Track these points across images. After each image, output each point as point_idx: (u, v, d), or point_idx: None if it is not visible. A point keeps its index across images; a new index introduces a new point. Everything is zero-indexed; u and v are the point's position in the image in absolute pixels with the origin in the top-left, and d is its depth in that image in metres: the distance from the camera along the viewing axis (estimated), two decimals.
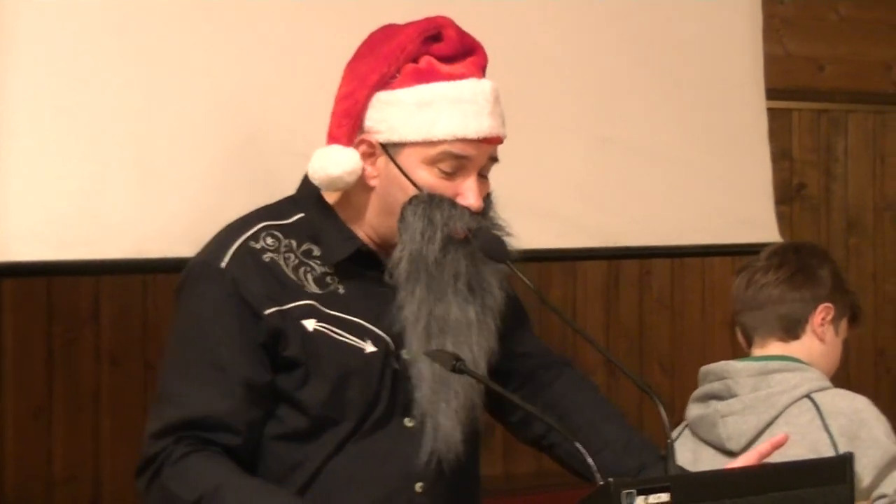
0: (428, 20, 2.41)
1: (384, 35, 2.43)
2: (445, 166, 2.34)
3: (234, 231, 2.41)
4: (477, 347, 2.36)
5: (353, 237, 2.41)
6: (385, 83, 2.37)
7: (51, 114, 2.76)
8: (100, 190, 2.80)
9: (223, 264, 2.35)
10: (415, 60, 2.37)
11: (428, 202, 2.33)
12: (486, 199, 2.41)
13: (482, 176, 2.40)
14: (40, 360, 3.77)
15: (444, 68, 2.37)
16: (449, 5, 3.06)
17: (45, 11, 2.75)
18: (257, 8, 2.97)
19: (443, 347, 2.32)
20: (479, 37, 2.37)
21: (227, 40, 2.94)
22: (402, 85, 2.36)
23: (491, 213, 2.41)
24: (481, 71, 2.42)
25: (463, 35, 2.41)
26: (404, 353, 2.38)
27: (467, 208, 2.35)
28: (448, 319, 2.34)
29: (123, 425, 3.85)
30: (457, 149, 2.34)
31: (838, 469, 2.06)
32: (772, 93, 4.00)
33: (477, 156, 2.36)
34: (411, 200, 2.34)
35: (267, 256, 2.37)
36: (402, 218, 2.34)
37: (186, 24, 2.90)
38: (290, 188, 2.47)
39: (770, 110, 3.90)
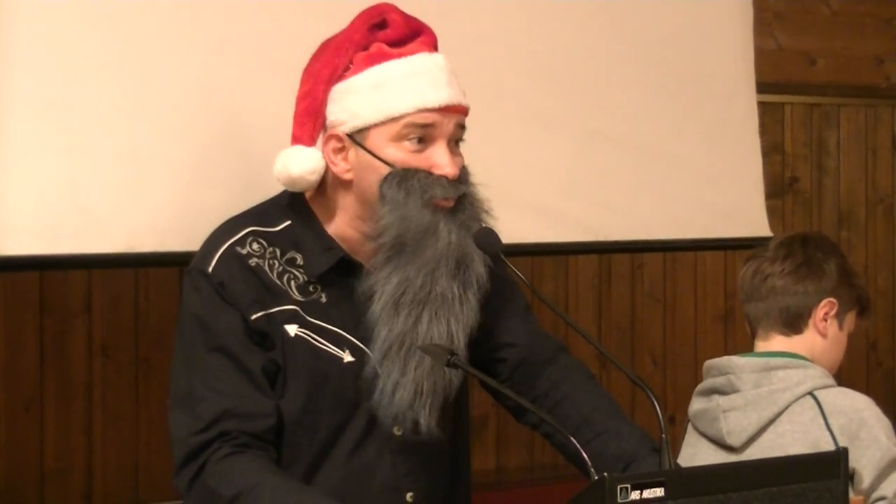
0: (371, 8, 2.42)
1: (331, 37, 2.44)
2: (413, 138, 2.34)
3: (222, 235, 2.42)
4: (456, 322, 2.35)
5: (334, 247, 2.41)
6: (339, 76, 2.38)
7: (42, 109, 2.75)
8: (91, 184, 2.80)
9: (210, 269, 2.37)
10: (364, 49, 2.38)
11: (402, 175, 2.33)
12: (463, 171, 2.39)
13: (454, 148, 2.39)
14: (32, 353, 3.76)
15: (395, 51, 2.38)
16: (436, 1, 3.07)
17: (38, 10, 2.75)
18: (249, 6, 2.97)
19: (417, 319, 2.32)
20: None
21: (218, 35, 2.94)
22: (355, 72, 2.37)
23: (469, 183, 2.40)
24: (432, 47, 2.42)
25: (408, 18, 2.42)
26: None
27: (443, 176, 2.34)
28: (431, 291, 2.33)
29: (115, 418, 3.85)
30: (420, 119, 2.34)
31: (832, 464, 2.06)
32: (764, 87, 4.00)
33: (442, 123, 2.35)
34: (386, 178, 2.34)
35: (252, 261, 2.38)
36: (380, 196, 2.34)
37: (178, 18, 2.90)
38: (279, 183, 2.47)
39: (762, 104, 3.90)
